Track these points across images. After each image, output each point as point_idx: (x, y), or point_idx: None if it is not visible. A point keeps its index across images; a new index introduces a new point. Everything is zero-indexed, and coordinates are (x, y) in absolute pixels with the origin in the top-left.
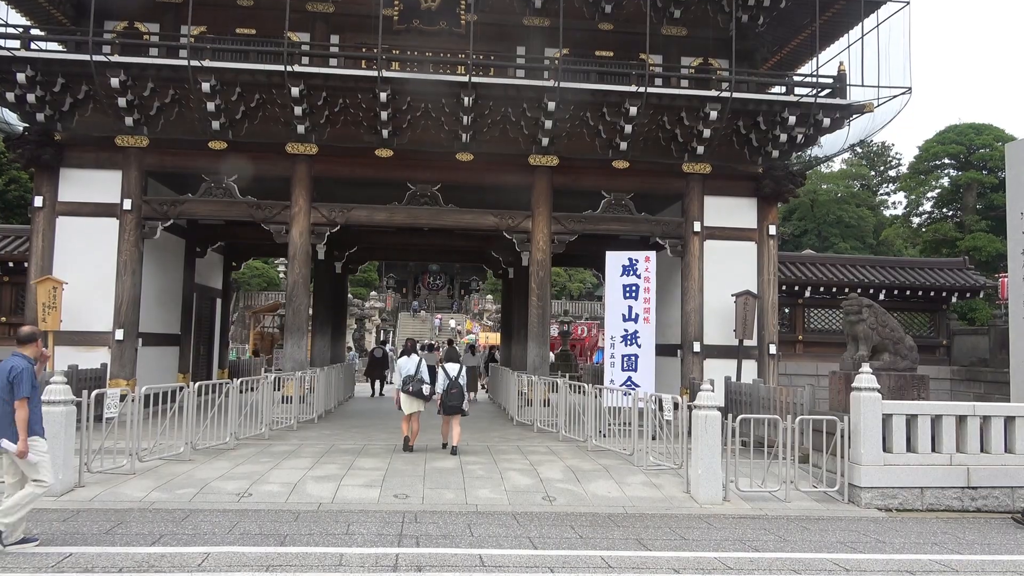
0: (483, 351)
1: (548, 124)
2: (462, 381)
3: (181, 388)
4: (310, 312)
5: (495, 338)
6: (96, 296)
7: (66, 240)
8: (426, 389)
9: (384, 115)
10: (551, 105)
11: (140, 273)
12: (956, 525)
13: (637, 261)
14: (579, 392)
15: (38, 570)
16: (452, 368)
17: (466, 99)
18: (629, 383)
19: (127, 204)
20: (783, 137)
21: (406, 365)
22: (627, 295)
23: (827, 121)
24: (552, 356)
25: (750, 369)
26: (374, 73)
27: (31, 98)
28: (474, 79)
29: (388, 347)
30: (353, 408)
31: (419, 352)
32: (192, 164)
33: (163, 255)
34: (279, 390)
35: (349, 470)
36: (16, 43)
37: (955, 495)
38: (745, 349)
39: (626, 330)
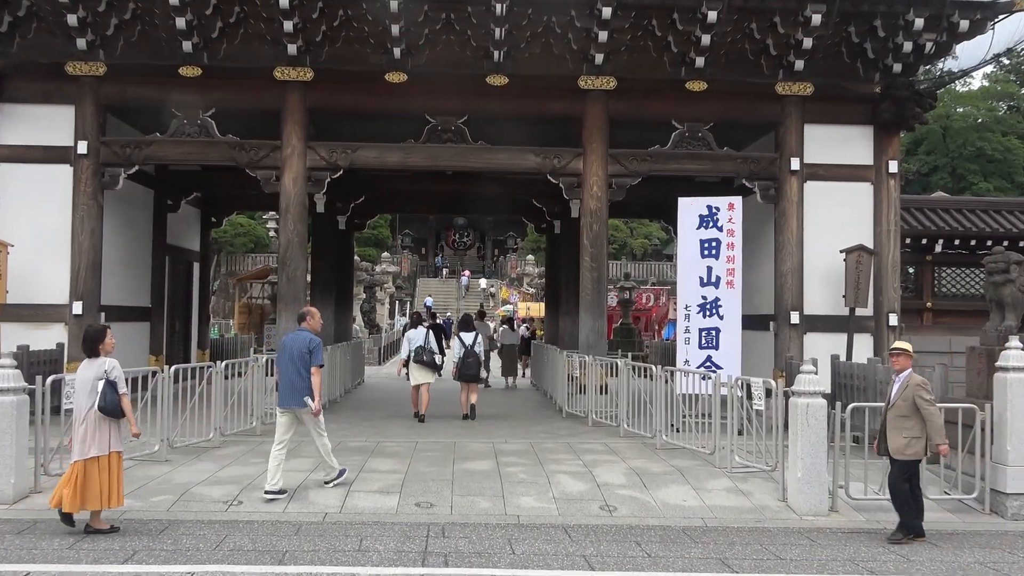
0: (520, 325)
1: (603, 36)
2: (478, 349)
3: (154, 373)
4: (308, 279)
5: (537, 309)
6: (48, 262)
7: (10, 193)
8: (438, 359)
9: (395, 29)
10: (606, 11)
11: (100, 232)
12: None
13: (718, 210)
14: (645, 376)
15: None
16: (467, 337)
17: (498, 6)
18: (708, 364)
19: (82, 147)
20: (907, 46)
21: (415, 336)
22: (705, 253)
23: (964, 24)
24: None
25: (864, 345)
26: None
27: None
28: None
29: (406, 319)
30: (364, 396)
31: (436, 322)
32: (160, 96)
33: (128, 210)
34: (273, 375)
35: (360, 472)
36: None
37: None
38: (857, 320)
39: (704, 297)
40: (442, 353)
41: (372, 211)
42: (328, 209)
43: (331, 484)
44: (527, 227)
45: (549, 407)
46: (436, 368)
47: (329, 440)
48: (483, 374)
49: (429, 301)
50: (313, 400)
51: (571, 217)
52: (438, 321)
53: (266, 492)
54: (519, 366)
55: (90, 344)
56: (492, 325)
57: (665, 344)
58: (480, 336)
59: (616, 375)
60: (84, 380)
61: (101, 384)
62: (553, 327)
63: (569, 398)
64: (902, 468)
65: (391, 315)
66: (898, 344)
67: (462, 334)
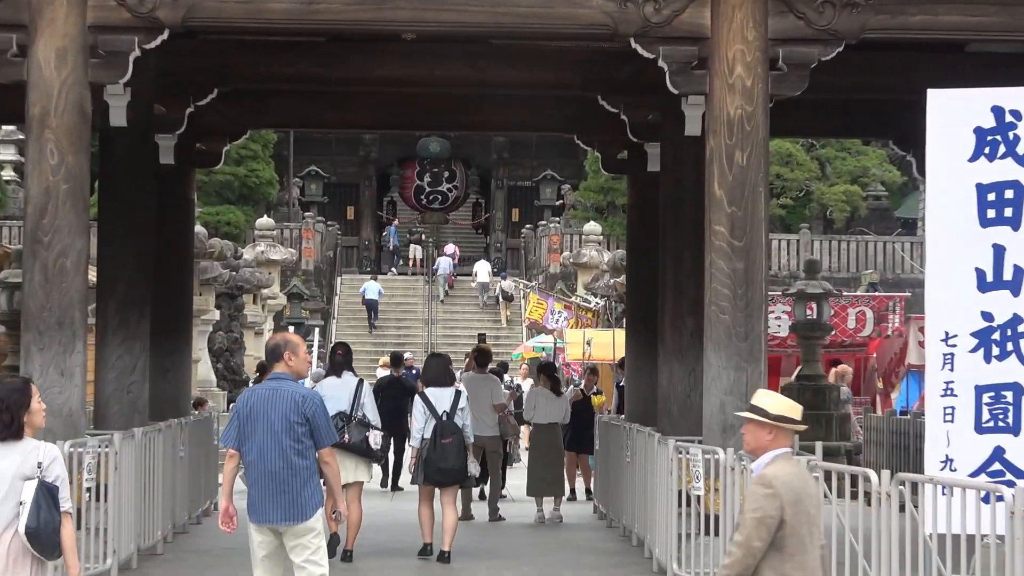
0: (569, 387)
1: None
2: (461, 422)
3: None
4: (91, 278)
5: (607, 341)
6: None
7: None
8: (374, 438)
9: None
10: None
11: None
12: None
13: (1019, 117)
14: (854, 495)
15: None
16: (440, 397)
17: None
18: (998, 467)
19: None
20: None
21: (334, 393)
22: (991, 215)
23: None
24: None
25: None
26: None
27: None
28: None
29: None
30: (219, 539)
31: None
32: None
33: None
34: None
35: None
36: None
37: None
38: None
39: (988, 315)
40: (397, 434)
41: (236, 125)
42: (138, 122)
43: None
44: (585, 160)
45: (636, 562)
46: (372, 455)
47: None
48: (472, 469)
49: (373, 289)
50: (339, 508)
51: (682, 137)
52: (399, 372)
53: None
54: (567, 471)
55: (5, 413)
56: (516, 383)
57: (899, 420)
58: (465, 397)
59: None
60: None
61: (30, 489)
62: (643, 383)
63: (683, 545)
64: None
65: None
66: (755, 400)
67: (430, 392)
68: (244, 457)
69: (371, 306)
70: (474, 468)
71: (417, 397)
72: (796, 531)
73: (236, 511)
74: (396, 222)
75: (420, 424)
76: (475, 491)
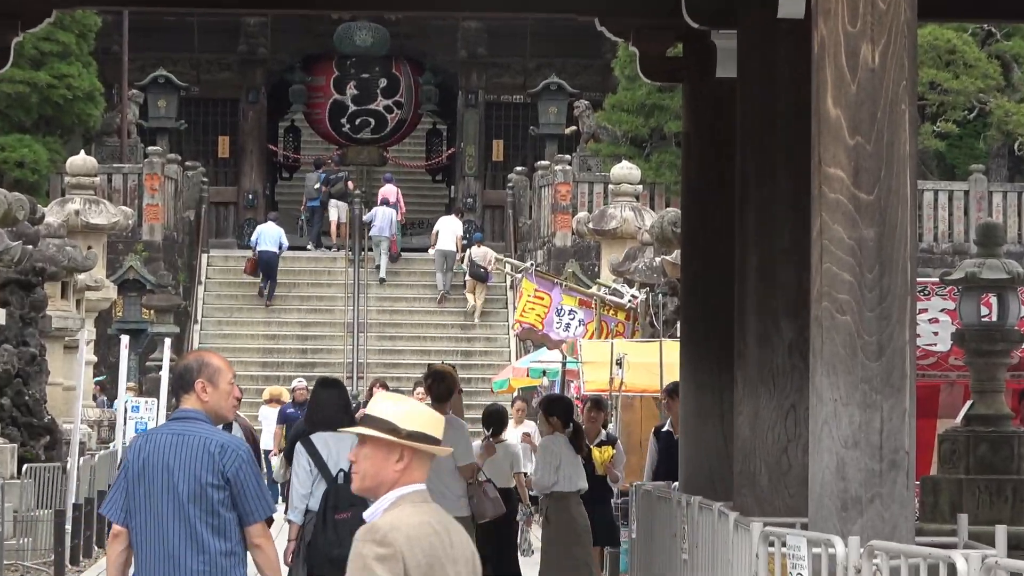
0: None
1: None
2: None
3: None
4: None
5: (648, 362)
6: None
7: None
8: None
9: None
10: None
11: None
12: None
13: None
14: None
15: None
16: (335, 447)
17: None
18: None
19: None
20: None
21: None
22: None
23: None
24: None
25: None
26: None
27: None
28: None
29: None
30: None
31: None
32: None
33: None
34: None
35: None
36: None
37: None
38: None
39: None
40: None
41: (33, 2)
42: None
43: None
44: (614, 60)
45: None
46: None
47: None
48: None
49: (271, 236)
50: None
51: (774, 21)
52: None
53: None
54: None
55: None
56: (518, 439)
57: None
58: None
59: None
60: None
61: None
62: (709, 430)
63: None
64: None
65: (103, 386)
66: (373, 408)
67: (319, 440)
68: (133, 536)
69: (268, 263)
70: None
71: (299, 446)
72: None
73: None
74: (327, 163)
75: (304, 489)
76: None
